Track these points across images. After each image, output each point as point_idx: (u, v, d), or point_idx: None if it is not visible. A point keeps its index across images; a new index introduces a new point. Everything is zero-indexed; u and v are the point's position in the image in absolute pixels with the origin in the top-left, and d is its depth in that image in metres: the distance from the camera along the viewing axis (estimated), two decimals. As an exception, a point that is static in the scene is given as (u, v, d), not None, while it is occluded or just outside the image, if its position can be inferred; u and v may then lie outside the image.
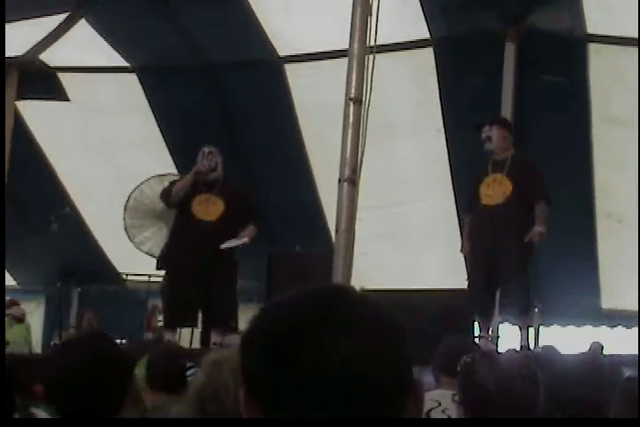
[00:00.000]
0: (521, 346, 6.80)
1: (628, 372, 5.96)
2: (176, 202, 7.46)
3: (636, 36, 8.02)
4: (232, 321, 7.56)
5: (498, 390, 2.52)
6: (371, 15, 5.62)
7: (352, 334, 1.11)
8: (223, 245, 7.24)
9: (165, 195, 7.59)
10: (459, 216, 9.65)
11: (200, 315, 7.54)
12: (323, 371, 1.09)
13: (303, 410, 1.10)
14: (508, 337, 7.74)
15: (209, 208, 7.37)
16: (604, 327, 10.33)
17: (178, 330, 7.70)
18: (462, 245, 7.19)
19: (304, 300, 1.17)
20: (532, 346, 7.02)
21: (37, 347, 10.61)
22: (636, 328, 9.97)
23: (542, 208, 6.81)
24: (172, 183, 7.66)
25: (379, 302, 1.18)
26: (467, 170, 9.26)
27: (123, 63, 10.06)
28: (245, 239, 7.40)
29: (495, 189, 6.89)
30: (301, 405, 1.10)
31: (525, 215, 6.86)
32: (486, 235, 6.84)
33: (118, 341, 6.38)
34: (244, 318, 10.27)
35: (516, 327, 7.03)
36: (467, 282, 7.11)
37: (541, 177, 7.01)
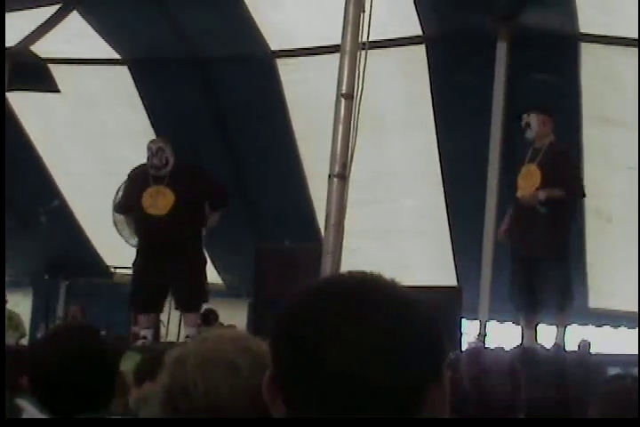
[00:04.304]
0: (555, 344, 6.73)
1: (614, 371, 5.99)
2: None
3: (629, 35, 8.04)
4: (197, 302, 7.47)
5: (474, 387, 2.53)
6: (363, 11, 5.61)
7: (370, 330, 1.11)
8: None
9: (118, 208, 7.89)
10: (447, 212, 9.66)
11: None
12: (338, 366, 1.10)
13: (317, 403, 1.12)
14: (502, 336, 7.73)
15: (158, 201, 7.15)
16: (590, 327, 10.35)
17: (153, 327, 7.58)
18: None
19: (329, 290, 1.17)
20: (566, 346, 6.89)
21: (24, 339, 10.57)
22: (623, 328, 10.01)
23: (558, 192, 6.62)
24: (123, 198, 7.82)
25: (411, 297, 1.17)
26: (456, 166, 9.28)
27: (114, 55, 10.03)
28: None
29: (527, 181, 6.71)
30: (316, 398, 1.12)
31: (555, 207, 6.68)
32: (520, 231, 6.70)
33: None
34: (233, 312, 10.31)
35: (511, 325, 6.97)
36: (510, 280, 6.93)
37: (569, 164, 6.81)
